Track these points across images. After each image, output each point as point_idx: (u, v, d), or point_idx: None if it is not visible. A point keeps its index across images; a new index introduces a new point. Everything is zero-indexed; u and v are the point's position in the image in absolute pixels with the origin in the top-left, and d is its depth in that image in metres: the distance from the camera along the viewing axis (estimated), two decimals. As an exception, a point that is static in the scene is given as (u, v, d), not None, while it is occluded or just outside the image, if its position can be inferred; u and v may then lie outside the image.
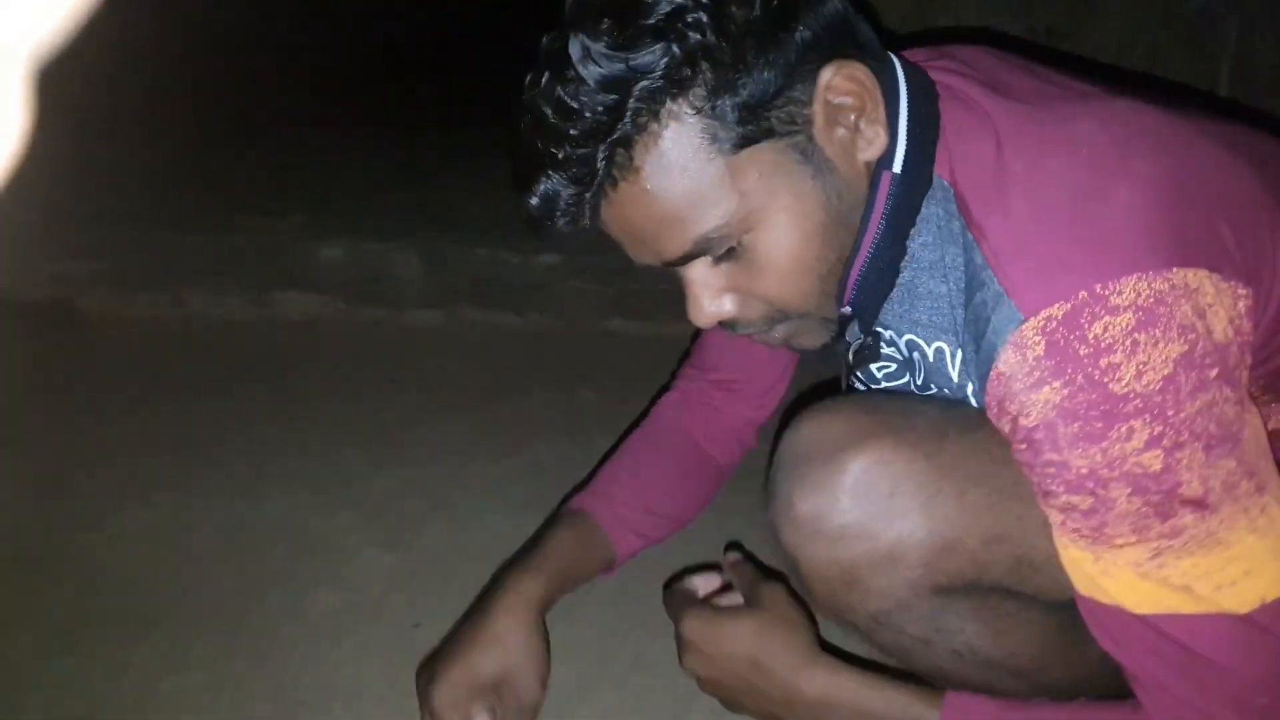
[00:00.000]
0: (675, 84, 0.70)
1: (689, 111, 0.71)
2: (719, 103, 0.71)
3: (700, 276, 0.80)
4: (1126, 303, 0.66)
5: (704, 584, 1.08)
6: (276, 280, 2.35)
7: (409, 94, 4.08)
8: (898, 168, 0.78)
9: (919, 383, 0.90)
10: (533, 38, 0.77)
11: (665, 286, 2.33)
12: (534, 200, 0.76)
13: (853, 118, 0.76)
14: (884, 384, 0.94)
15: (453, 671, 0.98)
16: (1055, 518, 0.73)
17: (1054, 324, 0.68)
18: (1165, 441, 0.67)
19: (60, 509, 1.57)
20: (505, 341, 2.23)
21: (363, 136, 3.41)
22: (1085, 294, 0.67)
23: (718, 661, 0.94)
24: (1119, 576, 0.71)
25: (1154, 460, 0.67)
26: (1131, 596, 0.72)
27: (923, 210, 0.80)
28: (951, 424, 0.83)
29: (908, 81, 0.79)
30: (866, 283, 0.81)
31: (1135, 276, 0.67)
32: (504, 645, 1.00)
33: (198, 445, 1.76)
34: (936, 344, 0.86)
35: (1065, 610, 0.79)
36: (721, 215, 0.74)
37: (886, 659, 0.94)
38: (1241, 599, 0.69)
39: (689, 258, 0.78)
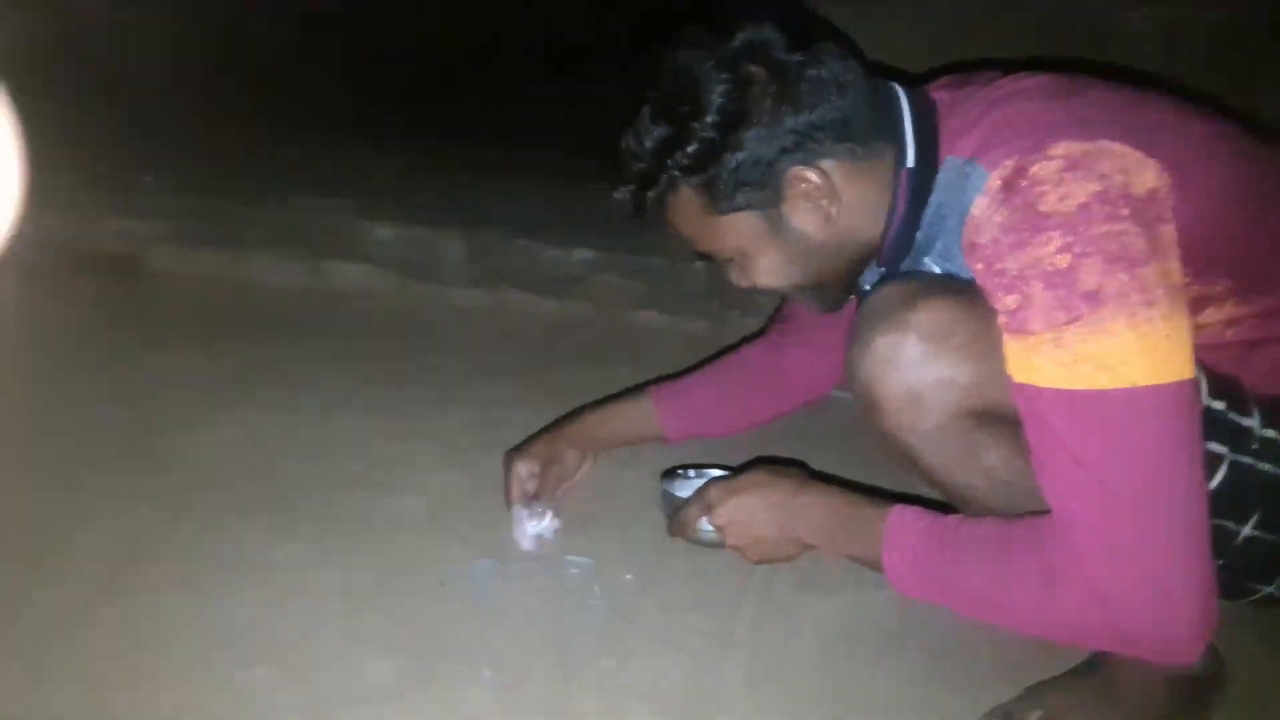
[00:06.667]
0: (691, 171, 1.09)
1: (694, 185, 1.10)
2: (714, 186, 1.09)
3: (730, 265, 1.21)
4: (1060, 154, 0.94)
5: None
6: (331, 252, 2.54)
7: (443, 107, 4.30)
8: (911, 163, 1.10)
9: None
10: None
11: (688, 288, 2.55)
12: (613, 194, 1.19)
13: (820, 201, 1.10)
14: None
15: (520, 448, 1.51)
16: (1001, 320, 0.97)
17: (1008, 171, 0.96)
18: (1075, 249, 0.90)
19: (153, 417, 1.73)
20: (544, 323, 2.42)
21: (399, 144, 3.60)
22: (1031, 148, 0.95)
23: (738, 504, 1.22)
24: (1033, 360, 0.94)
25: (1063, 260, 0.91)
26: (1039, 375, 0.93)
27: (936, 180, 1.09)
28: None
29: (910, 101, 1.12)
30: (893, 250, 1.15)
31: (1068, 141, 0.94)
32: (555, 443, 1.51)
33: (272, 379, 1.93)
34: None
35: None
36: (716, 247, 1.17)
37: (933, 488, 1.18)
38: (1113, 378, 0.90)
39: (708, 258, 1.20)
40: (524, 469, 1.46)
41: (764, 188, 1.09)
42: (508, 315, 2.45)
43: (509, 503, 1.45)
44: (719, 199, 1.10)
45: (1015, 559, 0.99)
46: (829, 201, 1.10)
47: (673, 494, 1.38)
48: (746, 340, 1.64)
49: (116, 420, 1.71)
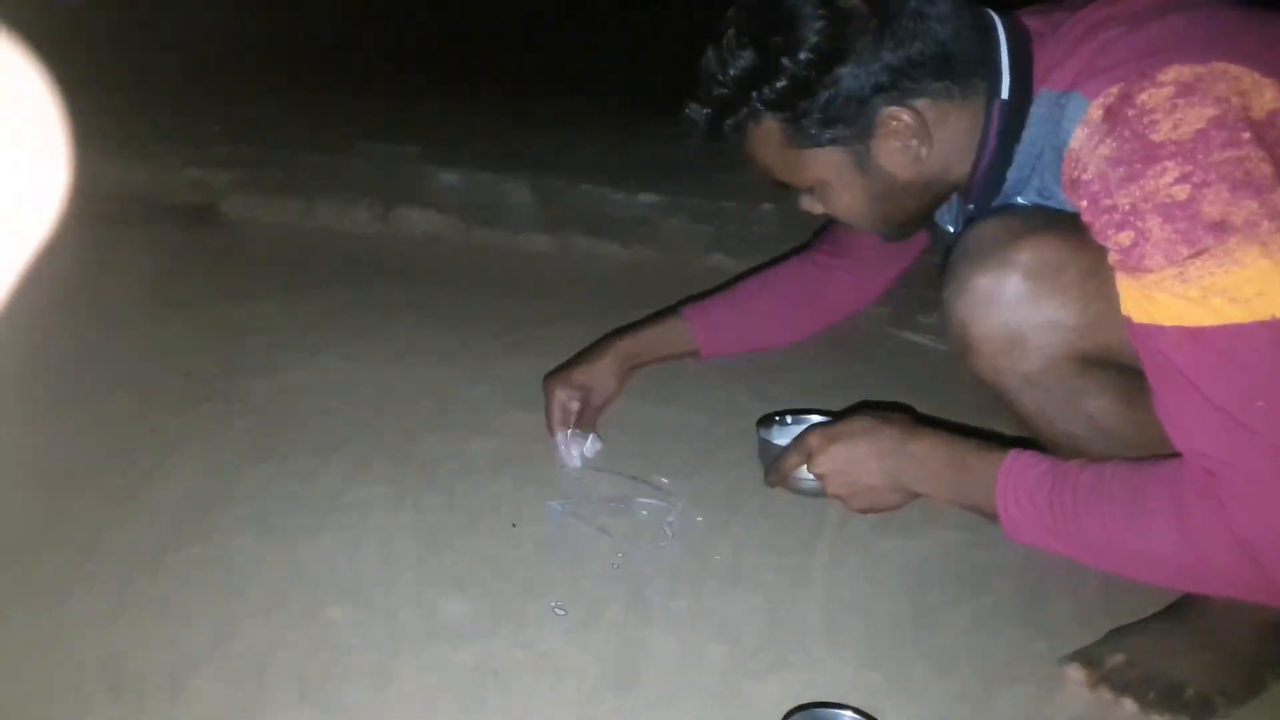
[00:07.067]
0: (777, 106, 1.04)
1: (778, 119, 1.05)
2: (800, 122, 1.04)
3: (807, 194, 1.16)
4: (1169, 79, 0.88)
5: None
6: (399, 198, 2.54)
7: (505, 65, 4.30)
8: (1005, 95, 1.03)
9: None
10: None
11: (757, 231, 2.51)
12: (686, 111, 1.11)
13: (910, 141, 1.04)
14: None
15: (559, 374, 1.50)
16: (1113, 259, 0.91)
17: (1111, 99, 0.91)
18: (1195, 178, 0.84)
19: (232, 362, 1.76)
20: (611, 267, 2.40)
21: (463, 95, 3.61)
22: (1136, 75, 0.90)
23: (841, 452, 1.13)
24: (1154, 298, 0.87)
25: (1181, 191, 0.85)
26: (1163, 314, 0.87)
27: (1030, 114, 1.03)
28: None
29: (1006, 31, 1.04)
30: (982, 187, 1.08)
31: (1178, 64, 0.88)
32: (593, 369, 1.50)
33: (346, 324, 1.95)
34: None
35: None
36: (794, 179, 1.11)
37: (1025, 431, 1.12)
38: (1249, 311, 0.83)
39: (784, 186, 1.14)
40: (563, 396, 1.48)
41: (853, 125, 1.04)
42: (574, 260, 2.44)
43: (551, 430, 1.48)
44: (803, 134, 1.05)
45: (1148, 507, 0.92)
46: (919, 142, 1.04)
47: (770, 441, 1.33)
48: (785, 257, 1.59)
49: (196, 364, 1.74)
